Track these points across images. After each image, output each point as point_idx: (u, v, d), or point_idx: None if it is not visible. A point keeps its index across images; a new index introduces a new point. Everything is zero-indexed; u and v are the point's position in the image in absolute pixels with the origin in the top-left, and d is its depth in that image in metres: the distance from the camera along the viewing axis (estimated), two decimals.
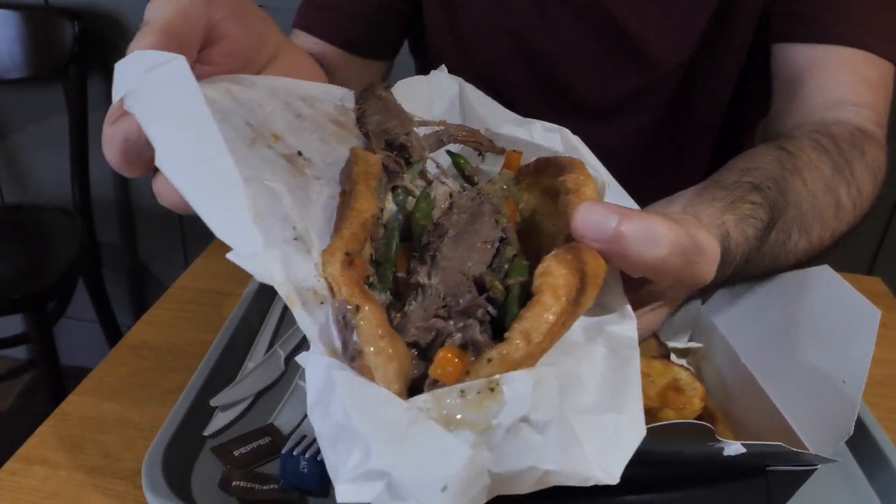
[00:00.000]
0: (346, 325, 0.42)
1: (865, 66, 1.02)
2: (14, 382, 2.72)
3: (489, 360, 0.41)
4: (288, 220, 0.47)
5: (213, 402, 0.87)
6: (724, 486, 0.77)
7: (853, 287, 0.81)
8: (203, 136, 0.43)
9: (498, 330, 0.45)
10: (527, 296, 0.45)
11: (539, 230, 0.60)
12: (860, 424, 0.88)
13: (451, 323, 0.45)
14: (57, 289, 2.11)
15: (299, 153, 0.53)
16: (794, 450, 0.71)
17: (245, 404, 0.90)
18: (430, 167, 0.70)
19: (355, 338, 0.41)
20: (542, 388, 0.40)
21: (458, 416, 0.39)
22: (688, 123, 1.24)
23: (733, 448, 0.66)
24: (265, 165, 0.48)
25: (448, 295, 0.46)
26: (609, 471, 0.40)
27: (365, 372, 0.41)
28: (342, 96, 0.68)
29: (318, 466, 0.79)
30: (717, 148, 1.28)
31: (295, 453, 0.80)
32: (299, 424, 0.86)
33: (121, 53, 0.49)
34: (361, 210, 0.49)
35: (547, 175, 0.60)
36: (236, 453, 0.81)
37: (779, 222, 0.80)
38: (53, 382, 2.18)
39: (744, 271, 0.77)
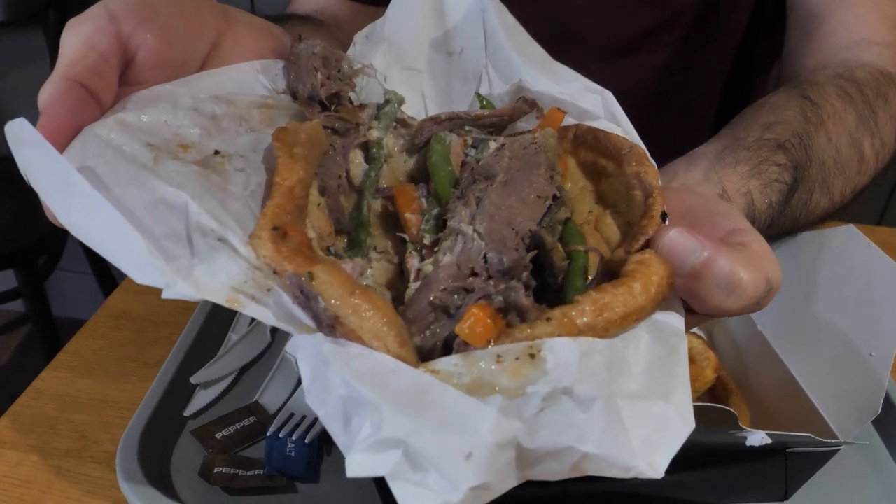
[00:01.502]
0: (307, 298, 0.40)
1: (888, 2, 0.95)
2: (11, 336, 2.68)
3: (548, 319, 0.39)
4: (201, 227, 0.45)
5: (193, 380, 0.81)
6: (741, 466, 0.72)
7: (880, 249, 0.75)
8: (83, 197, 0.41)
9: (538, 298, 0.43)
10: (585, 273, 0.44)
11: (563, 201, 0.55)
12: (888, 402, 0.82)
13: (492, 283, 0.41)
14: (47, 243, 2.04)
15: (216, 152, 0.51)
16: (822, 440, 0.65)
17: (228, 381, 0.83)
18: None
19: (323, 305, 0.39)
20: (588, 361, 0.38)
21: (492, 383, 0.37)
22: (701, 65, 1.16)
23: (756, 438, 0.61)
24: (167, 181, 0.47)
25: (491, 250, 0.43)
26: (653, 463, 0.37)
27: (351, 336, 0.38)
28: (274, 75, 0.62)
29: (306, 449, 0.73)
30: (729, 93, 1.21)
31: (281, 435, 0.74)
32: (286, 402, 0.80)
33: None
34: (283, 179, 0.47)
35: (591, 150, 0.56)
36: (219, 436, 0.75)
37: (802, 183, 0.75)
38: (48, 337, 2.13)
39: (765, 236, 0.72)
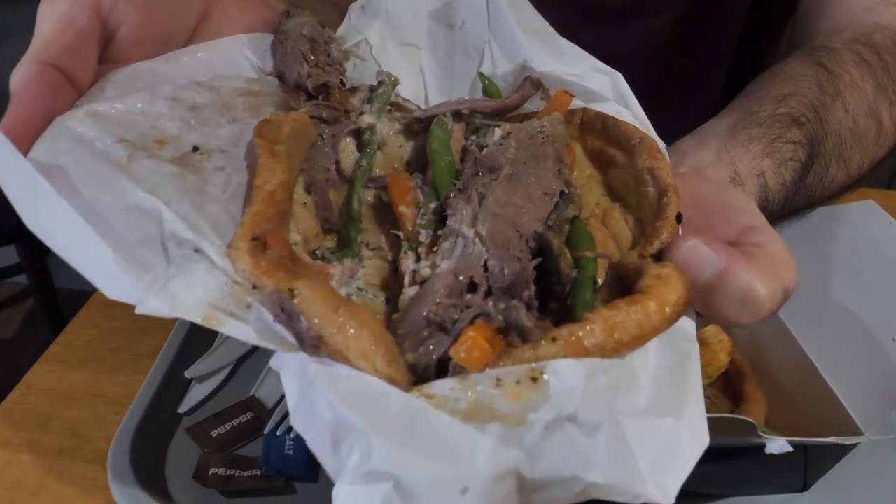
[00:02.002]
0: (288, 317, 0.37)
1: None
2: (17, 309, 2.66)
3: (554, 339, 0.36)
4: (175, 236, 0.41)
5: (187, 374, 0.78)
6: (759, 458, 0.68)
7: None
8: (49, 204, 0.38)
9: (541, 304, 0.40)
10: (594, 282, 0.41)
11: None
12: None
13: (491, 302, 0.38)
14: None
15: (195, 148, 0.48)
16: (844, 442, 0.61)
17: (224, 374, 0.80)
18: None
19: (305, 324, 0.36)
20: (593, 383, 0.35)
21: (491, 409, 0.34)
22: (709, 28, 1.10)
23: (777, 445, 0.58)
24: (140, 184, 0.43)
25: (493, 257, 0.40)
26: (664, 488, 0.34)
27: (337, 357, 0.36)
28: (262, 51, 0.57)
29: (306, 447, 0.70)
30: (739, 58, 1.15)
31: (279, 433, 0.71)
32: (284, 396, 0.77)
33: None
34: (263, 183, 0.43)
35: (599, 137, 0.52)
36: (214, 434, 0.72)
37: (818, 158, 0.70)
38: (51, 312, 2.11)
39: (779, 216, 0.68)
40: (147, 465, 0.68)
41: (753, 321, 0.44)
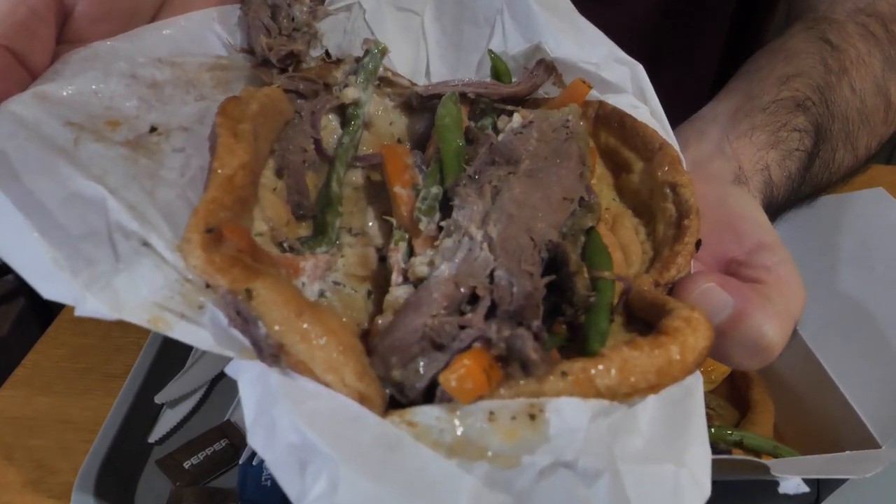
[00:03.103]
0: (245, 321, 0.32)
1: None
2: (11, 306, 2.60)
3: (563, 374, 0.32)
4: (120, 228, 0.36)
5: (158, 399, 0.72)
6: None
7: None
8: None
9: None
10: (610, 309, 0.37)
11: None
12: None
13: (494, 327, 0.33)
14: None
15: (152, 129, 0.42)
16: (861, 474, 0.56)
17: (197, 397, 0.74)
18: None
19: (264, 331, 0.31)
20: (595, 426, 0.31)
21: (480, 446, 0.30)
22: (701, 2, 1.04)
23: (791, 485, 0.52)
24: (83, 170, 0.38)
25: (501, 268, 0.35)
26: None
27: (300, 368, 0.31)
28: (233, 24, 0.51)
29: None
30: (736, 33, 1.09)
31: (255, 462, 0.65)
32: None
33: None
34: (221, 165, 0.38)
35: (615, 136, 0.48)
36: (187, 465, 0.67)
37: (824, 144, 0.65)
38: (39, 311, 2.06)
39: (784, 207, 0.64)
40: (114, 502, 0.63)
41: (763, 366, 0.43)
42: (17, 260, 0.33)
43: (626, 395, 0.33)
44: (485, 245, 0.36)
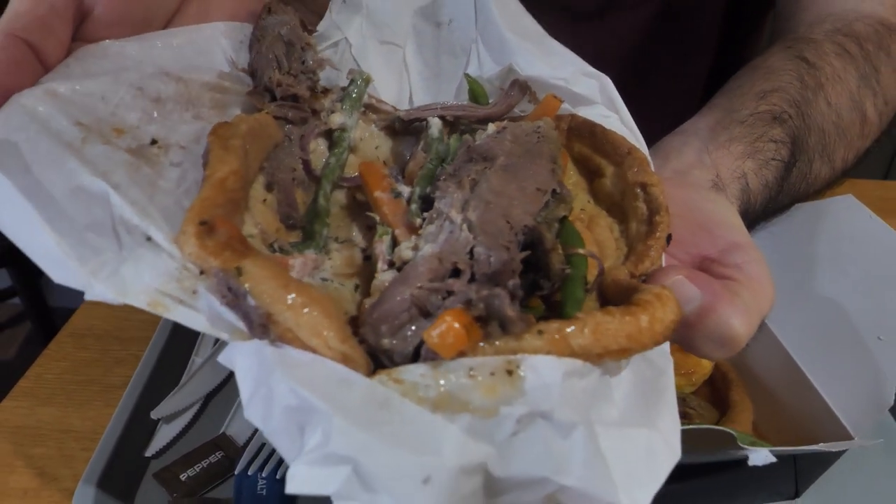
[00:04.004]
0: (235, 296, 0.34)
1: None
2: (17, 329, 2.61)
3: (540, 332, 0.33)
4: (124, 222, 0.38)
5: (154, 415, 0.72)
6: (747, 469, 0.64)
7: (871, 200, 0.67)
8: None
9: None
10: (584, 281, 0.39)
11: None
12: None
13: (474, 287, 0.35)
14: None
15: (153, 141, 0.44)
16: (830, 450, 0.57)
17: (193, 412, 0.75)
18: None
19: (253, 303, 0.33)
20: (569, 384, 0.32)
21: (462, 400, 0.31)
22: (687, 24, 1.05)
23: (760, 457, 0.53)
24: (89, 167, 0.40)
25: (480, 245, 0.37)
26: (636, 499, 0.32)
27: (288, 337, 0.33)
28: (238, 42, 0.53)
29: (279, 486, 0.65)
30: (720, 55, 1.11)
31: (250, 472, 0.65)
32: (256, 431, 0.71)
33: None
34: (213, 171, 0.40)
35: (587, 145, 0.50)
36: (183, 477, 0.67)
37: (801, 156, 0.67)
38: (47, 332, 2.07)
39: (762, 215, 0.66)
40: None
41: (728, 356, 0.44)
42: (29, 247, 0.35)
43: (598, 355, 0.34)
44: (465, 227, 0.38)
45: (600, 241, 0.46)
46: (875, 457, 0.73)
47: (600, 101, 0.53)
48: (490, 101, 0.55)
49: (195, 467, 0.68)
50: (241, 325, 0.34)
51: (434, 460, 0.29)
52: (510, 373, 0.32)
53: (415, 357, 0.34)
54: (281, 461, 0.67)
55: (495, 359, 0.33)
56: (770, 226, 0.73)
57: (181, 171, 0.44)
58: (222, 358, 0.34)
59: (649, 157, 0.48)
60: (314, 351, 0.32)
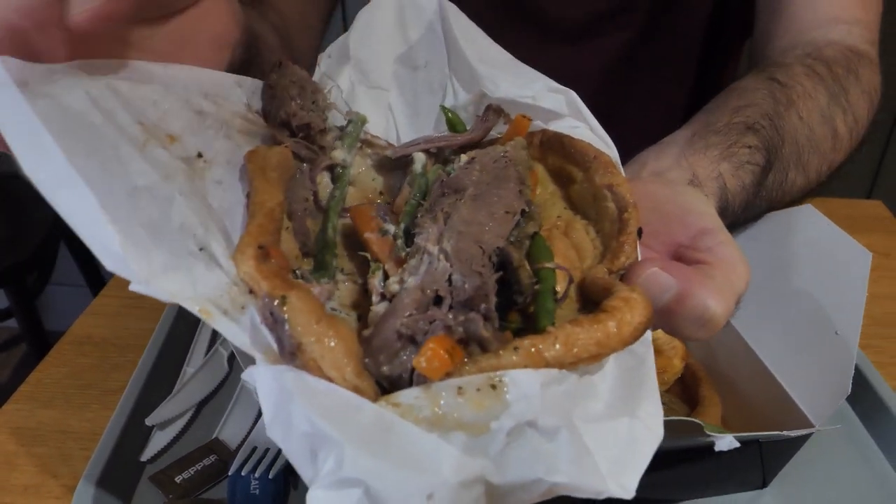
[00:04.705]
0: (275, 321, 0.37)
1: None
2: (12, 352, 2.61)
3: (515, 349, 0.36)
4: (185, 229, 0.40)
5: (148, 421, 0.74)
6: (717, 459, 0.66)
7: (843, 217, 0.70)
8: (57, 168, 0.35)
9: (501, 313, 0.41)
10: (553, 292, 0.42)
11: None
12: (860, 377, 0.77)
13: (451, 315, 0.39)
14: (35, 260, 1.97)
15: (199, 154, 0.46)
16: (791, 434, 0.60)
17: (186, 418, 0.77)
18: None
19: (288, 331, 0.36)
20: (549, 391, 0.35)
21: (454, 416, 0.34)
22: (666, 48, 1.09)
23: (725, 442, 0.56)
24: (154, 169, 0.41)
25: (457, 272, 0.40)
26: (623, 484, 0.35)
27: (311, 366, 0.36)
28: (251, 92, 0.56)
29: (271, 485, 0.67)
30: (698, 79, 1.15)
31: (244, 473, 0.67)
32: (247, 435, 0.73)
33: None
34: (262, 202, 0.43)
35: (558, 155, 0.53)
36: (178, 479, 0.69)
37: (776, 163, 0.70)
38: (40, 357, 2.07)
39: (741, 219, 0.70)
40: None
41: (711, 336, 0.46)
42: (85, 232, 0.35)
43: (571, 364, 0.37)
44: (441, 257, 0.41)
45: (577, 243, 0.50)
46: (836, 445, 0.76)
47: (568, 114, 0.56)
48: (468, 127, 0.59)
49: (189, 470, 0.70)
50: (272, 343, 0.37)
51: (435, 478, 0.32)
52: (494, 387, 0.35)
53: (410, 381, 0.37)
54: (273, 462, 0.69)
55: (479, 376, 0.35)
56: (736, 234, 0.76)
57: (222, 190, 0.46)
58: (246, 375, 0.38)
59: (617, 160, 0.51)
60: (331, 381, 0.35)
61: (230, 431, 0.75)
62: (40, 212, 2.02)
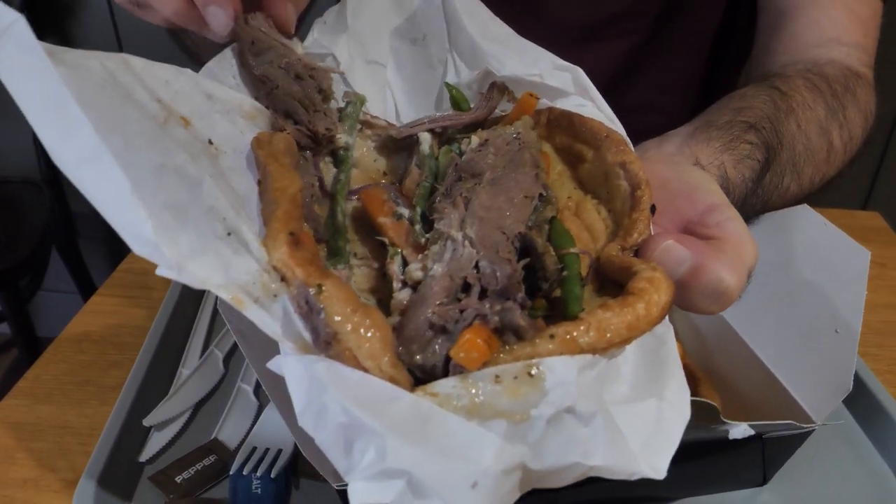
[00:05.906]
0: (311, 310, 0.36)
1: (857, 3, 0.90)
2: (3, 357, 2.57)
3: (551, 337, 0.36)
4: (214, 212, 0.38)
5: (146, 422, 0.72)
6: (719, 456, 0.66)
7: (839, 228, 0.69)
8: (86, 145, 0.33)
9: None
10: (580, 277, 0.41)
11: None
12: (856, 380, 0.77)
13: (487, 304, 0.38)
14: (28, 265, 1.93)
15: (210, 141, 0.44)
16: (799, 425, 0.59)
17: (183, 419, 0.75)
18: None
19: (324, 319, 0.35)
20: (583, 377, 0.35)
21: (492, 404, 0.34)
22: (670, 56, 1.09)
23: (739, 430, 0.56)
24: (180, 148, 0.39)
25: (483, 259, 0.39)
26: (655, 465, 0.36)
27: (346, 356, 0.35)
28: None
29: (273, 485, 0.65)
30: (701, 90, 1.15)
31: (245, 472, 0.66)
32: (247, 435, 0.72)
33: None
34: (284, 188, 0.41)
35: (566, 134, 0.52)
36: (178, 479, 0.67)
37: (773, 164, 0.70)
38: (33, 360, 2.03)
39: (741, 213, 0.68)
40: None
41: (723, 309, 0.45)
42: (112, 214, 0.33)
43: (604, 349, 0.36)
44: (466, 243, 0.40)
45: (589, 224, 0.49)
46: (833, 444, 0.75)
47: (574, 92, 0.55)
48: (471, 105, 0.58)
49: (189, 470, 0.68)
50: (306, 335, 0.36)
51: (479, 466, 0.32)
52: (531, 375, 0.35)
53: (444, 369, 0.36)
54: (274, 462, 0.67)
55: (516, 364, 0.35)
56: None
57: (237, 175, 0.44)
58: (272, 364, 0.36)
59: (626, 138, 0.50)
60: (367, 371, 0.34)
61: (229, 432, 0.73)
62: (33, 215, 1.99)
